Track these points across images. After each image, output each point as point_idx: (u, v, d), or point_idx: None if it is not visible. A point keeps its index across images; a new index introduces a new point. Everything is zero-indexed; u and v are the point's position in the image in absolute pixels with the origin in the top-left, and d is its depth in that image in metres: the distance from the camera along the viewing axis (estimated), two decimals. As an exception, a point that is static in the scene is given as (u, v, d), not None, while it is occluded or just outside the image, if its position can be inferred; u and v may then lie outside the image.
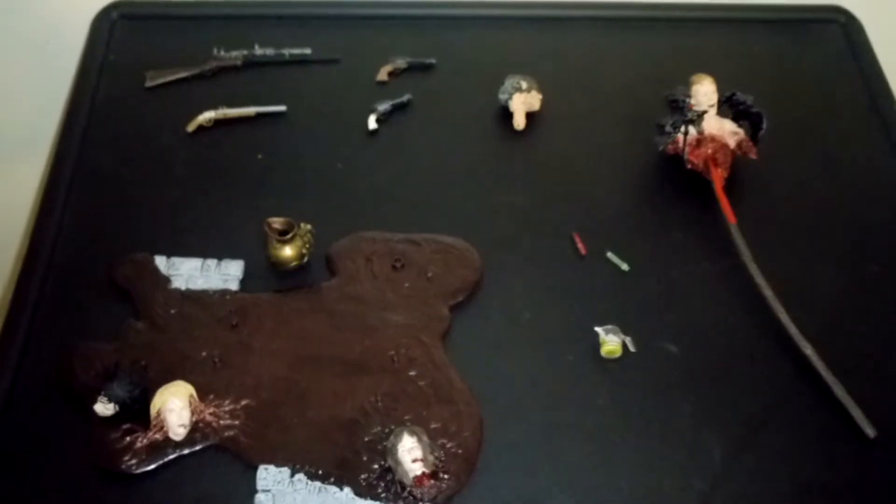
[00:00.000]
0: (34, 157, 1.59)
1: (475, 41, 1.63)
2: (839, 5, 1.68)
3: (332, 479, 1.09)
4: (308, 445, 1.12)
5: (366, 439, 1.12)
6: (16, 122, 1.72)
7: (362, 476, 1.10)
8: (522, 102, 1.46)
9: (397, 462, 1.07)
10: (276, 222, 1.25)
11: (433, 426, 1.13)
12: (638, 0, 1.68)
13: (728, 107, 1.40)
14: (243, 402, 1.15)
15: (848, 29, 1.65)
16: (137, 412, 1.12)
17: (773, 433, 1.15)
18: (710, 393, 1.19)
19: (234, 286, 1.27)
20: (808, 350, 1.19)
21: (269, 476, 1.10)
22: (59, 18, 1.64)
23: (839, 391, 1.16)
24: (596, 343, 1.22)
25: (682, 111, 1.37)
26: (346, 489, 1.09)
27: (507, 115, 1.48)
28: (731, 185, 1.35)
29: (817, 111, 1.53)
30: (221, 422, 1.14)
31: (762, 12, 1.68)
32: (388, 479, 1.09)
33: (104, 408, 1.10)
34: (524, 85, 1.46)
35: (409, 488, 1.08)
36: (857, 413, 1.14)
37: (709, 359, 1.22)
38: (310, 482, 1.09)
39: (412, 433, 1.08)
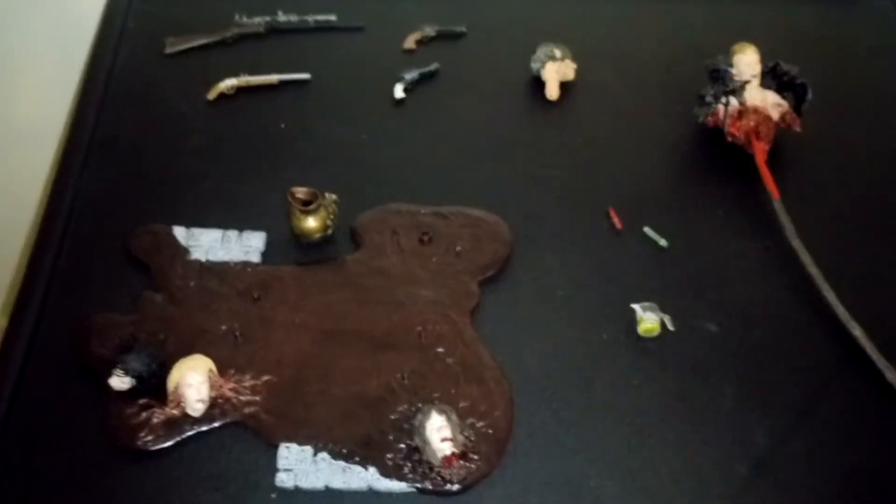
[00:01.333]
0: (51, 125, 1.56)
1: (507, 8, 1.58)
2: (888, -28, 1.62)
3: (357, 459, 1.06)
4: (332, 423, 1.08)
5: (392, 418, 1.08)
6: (33, 90, 1.69)
7: (388, 455, 1.06)
8: (556, 72, 1.42)
9: (425, 441, 1.03)
10: (300, 192, 1.21)
11: (462, 405, 1.09)
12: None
13: (771, 77, 1.35)
14: (264, 378, 1.12)
15: (897, -3, 1.59)
16: (154, 387, 1.09)
17: (819, 418, 1.10)
18: (752, 375, 1.14)
19: (255, 258, 1.23)
20: (857, 331, 1.14)
21: (291, 454, 1.06)
22: (77, -17, 1.61)
23: (890, 375, 1.11)
24: (633, 321, 1.17)
25: (723, 81, 1.33)
26: (372, 469, 1.05)
27: (539, 84, 1.43)
28: (774, 159, 1.31)
29: (864, 82, 1.47)
30: (242, 398, 1.10)
31: (808, -21, 1.63)
32: (415, 458, 1.05)
33: (120, 382, 1.07)
34: (558, 53, 1.41)
35: (437, 469, 1.03)
36: (909, 398, 1.09)
37: (751, 339, 1.17)
38: (333, 461, 1.05)
39: (441, 412, 1.04)
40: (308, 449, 1.06)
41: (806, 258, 1.19)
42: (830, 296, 1.16)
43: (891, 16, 1.57)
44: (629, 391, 1.12)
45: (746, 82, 1.32)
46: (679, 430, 1.09)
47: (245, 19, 1.51)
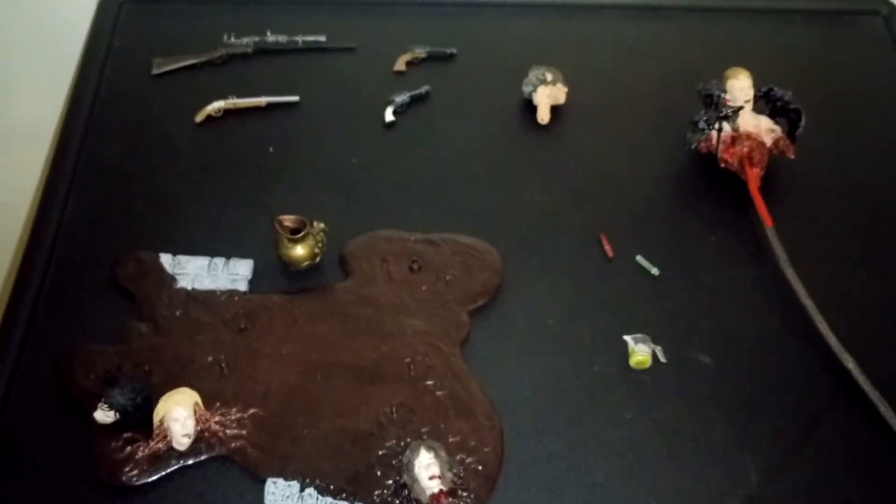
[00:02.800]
0: (36, 147, 1.55)
1: (498, 30, 1.57)
2: (881, -4, 1.61)
3: (344, 495, 1.04)
4: (319, 458, 1.07)
5: (380, 453, 1.07)
6: (18, 111, 1.68)
7: (376, 492, 1.04)
8: (547, 95, 1.40)
9: (413, 479, 1.02)
10: (288, 220, 1.20)
11: (451, 440, 1.08)
12: (669, -12, 1.62)
13: (765, 102, 1.34)
14: (251, 411, 1.10)
15: (891, 21, 1.58)
16: (139, 420, 1.07)
17: (812, 452, 1.09)
18: (745, 407, 1.13)
19: (242, 287, 1.22)
20: (850, 363, 1.12)
21: (278, 490, 1.04)
22: (63, 2, 1.59)
23: (883, 408, 1.10)
24: (624, 353, 1.16)
25: (716, 107, 1.31)
26: (359, 505, 1.03)
27: (530, 108, 1.42)
28: (767, 186, 1.29)
29: (859, 107, 1.46)
30: (228, 431, 1.08)
31: (801, 2, 1.61)
32: (403, 495, 1.03)
33: (104, 415, 1.06)
34: (549, 77, 1.40)
35: (425, 506, 1.02)
36: (902, 432, 1.08)
37: (744, 371, 1.16)
38: (321, 497, 1.04)
39: (429, 448, 1.02)
40: (295, 484, 1.05)
41: (799, 287, 1.18)
42: (823, 326, 1.15)
43: (884, 37, 1.56)
44: (621, 425, 1.11)
45: (740, 108, 1.31)
46: (671, 464, 1.08)
47: (233, 40, 1.49)
